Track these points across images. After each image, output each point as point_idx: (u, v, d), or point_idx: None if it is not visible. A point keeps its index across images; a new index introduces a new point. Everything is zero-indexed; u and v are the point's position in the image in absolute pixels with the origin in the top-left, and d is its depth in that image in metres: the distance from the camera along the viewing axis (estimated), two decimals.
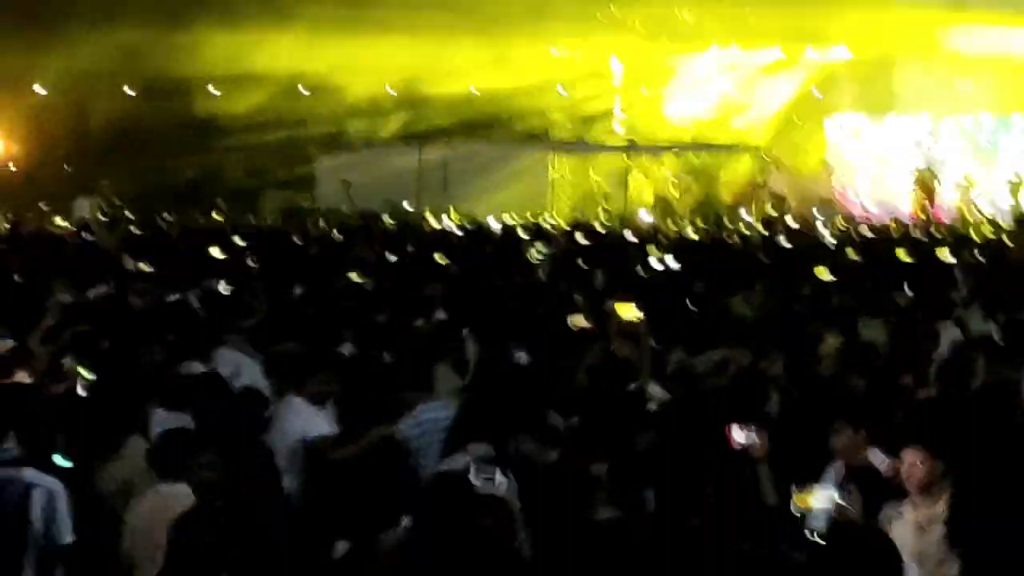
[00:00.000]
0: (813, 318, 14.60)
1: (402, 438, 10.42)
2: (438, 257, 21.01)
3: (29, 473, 8.59)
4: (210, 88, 40.93)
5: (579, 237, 25.82)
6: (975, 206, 37.60)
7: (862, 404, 10.18)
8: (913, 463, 8.23)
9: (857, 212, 39.76)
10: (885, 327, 14.18)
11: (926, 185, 39.15)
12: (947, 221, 35.07)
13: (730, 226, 32.34)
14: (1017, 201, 37.49)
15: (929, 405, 10.95)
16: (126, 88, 41.11)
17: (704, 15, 40.74)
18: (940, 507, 8.08)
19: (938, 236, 27.74)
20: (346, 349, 12.68)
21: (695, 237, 28.19)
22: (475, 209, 35.15)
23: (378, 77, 40.80)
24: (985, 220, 33.92)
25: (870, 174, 42.17)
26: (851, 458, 9.33)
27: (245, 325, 13.95)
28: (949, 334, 13.86)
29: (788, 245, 24.95)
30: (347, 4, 37.26)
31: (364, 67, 38.90)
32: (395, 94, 42.47)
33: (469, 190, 38.91)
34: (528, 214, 35.65)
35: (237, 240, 24.07)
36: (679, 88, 43.17)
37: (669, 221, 35.28)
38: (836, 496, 7.90)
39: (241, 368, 12.18)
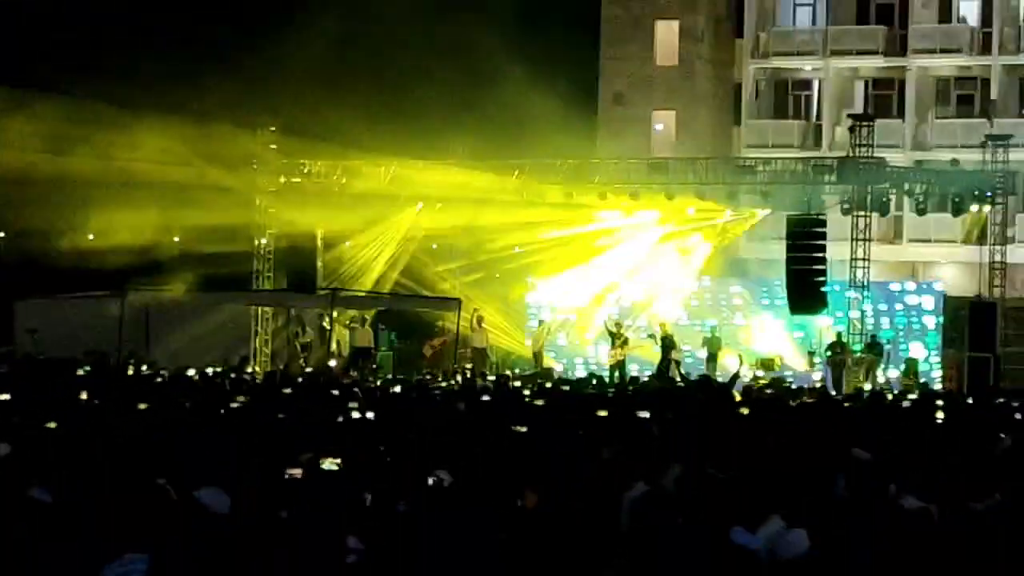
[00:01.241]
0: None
1: None
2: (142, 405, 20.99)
3: None
4: None
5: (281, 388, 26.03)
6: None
7: None
8: None
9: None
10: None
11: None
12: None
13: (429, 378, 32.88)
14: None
15: None
16: None
17: (410, 175, 41.62)
18: None
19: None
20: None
21: (397, 389, 28.62)
22: (178, 359, 35.10)
23: None
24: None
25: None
26: None
27: None
28: None
29: (487, 398, 25.57)
30: None
31: None
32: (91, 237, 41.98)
33: (172, 339, 38.87)
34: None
35: None
36: (382, 240, 43.78)
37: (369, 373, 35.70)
38: None
39: None
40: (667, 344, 40.19)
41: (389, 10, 46.67)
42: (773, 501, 10.74)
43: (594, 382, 30.82)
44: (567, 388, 29.07)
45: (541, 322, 43.00)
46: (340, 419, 20.30)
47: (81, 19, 48.37)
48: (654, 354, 41.22)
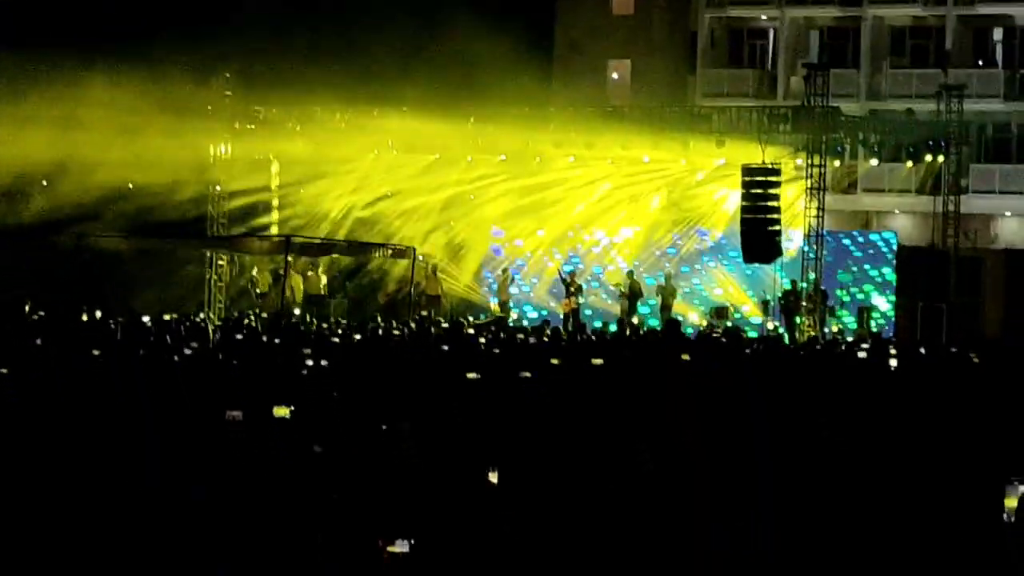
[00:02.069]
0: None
1: None
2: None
3: None
4: None
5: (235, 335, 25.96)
6: None
7: None
8: None
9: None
10: None
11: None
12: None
13: (384, 325, 32.80)
14: None
15: None
16: None
17: (364, 123, 41.34)
18: None
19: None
20: None
21: (356, 337, 28.56)
22: (133, 304, 34.91)
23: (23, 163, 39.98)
24: None
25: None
26: None
27: None
28: None
29: (445, 347, 25.58)
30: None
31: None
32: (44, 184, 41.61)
33: (127, 287, 38.68)
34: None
35: None
36: (337, 188, 43.62)
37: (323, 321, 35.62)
38: None
39: None
40: (635, 292, 40.40)
41: None
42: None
43: (548, 331, 30.85)
44: (521, 336, 29.12)
45: (504, 271, 42.99)
46: (295, 367, 20.31)
47: None
48: (607, 304, 41.36)
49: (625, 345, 27.72)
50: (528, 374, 17.89)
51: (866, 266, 41.30)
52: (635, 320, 39.30)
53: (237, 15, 46.03)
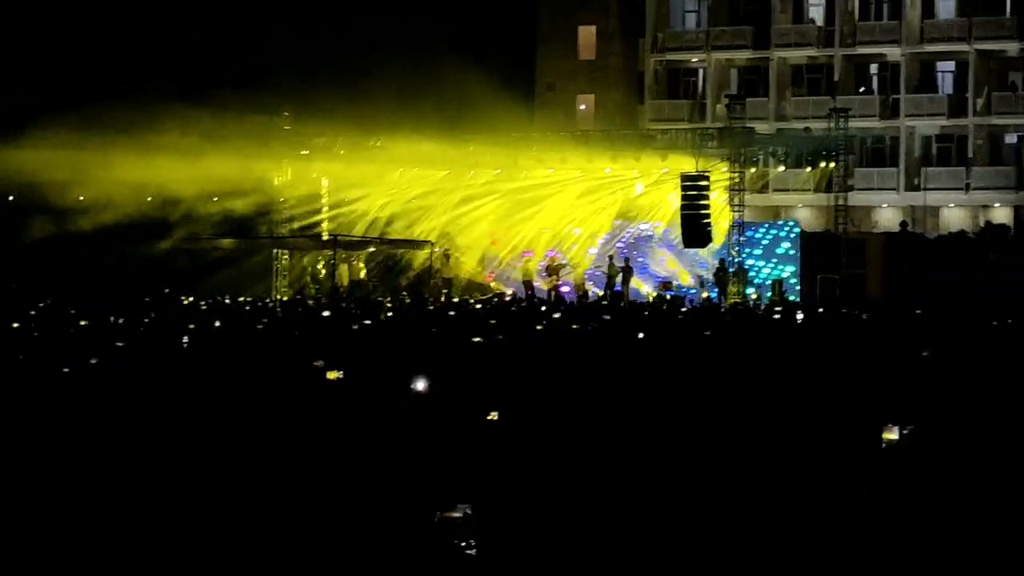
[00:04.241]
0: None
1: None
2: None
3: None
4: None
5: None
6: None
7: None
8: None
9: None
10: None
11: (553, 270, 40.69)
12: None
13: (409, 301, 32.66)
14: None
15: None
16: None
17: (391, 147, 41.11)
18: None
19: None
20: None
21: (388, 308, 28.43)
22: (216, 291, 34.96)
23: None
24: None
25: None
26: None
27: None
28: None
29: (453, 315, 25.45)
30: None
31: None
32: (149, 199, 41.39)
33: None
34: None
35: None
36: (372, 197, 43.39)
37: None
38: None
39: None
40: (627, 272, 40.23)
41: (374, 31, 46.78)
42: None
43: (542, 307, 30.71)
44: (514, 308, 28.99)
45: (561, 264, 42.19)
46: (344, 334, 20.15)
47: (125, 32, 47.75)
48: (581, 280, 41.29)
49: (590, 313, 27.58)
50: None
51: (777, 248, 41.06)
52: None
53: (292, 70, 46.38)
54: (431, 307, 30.98)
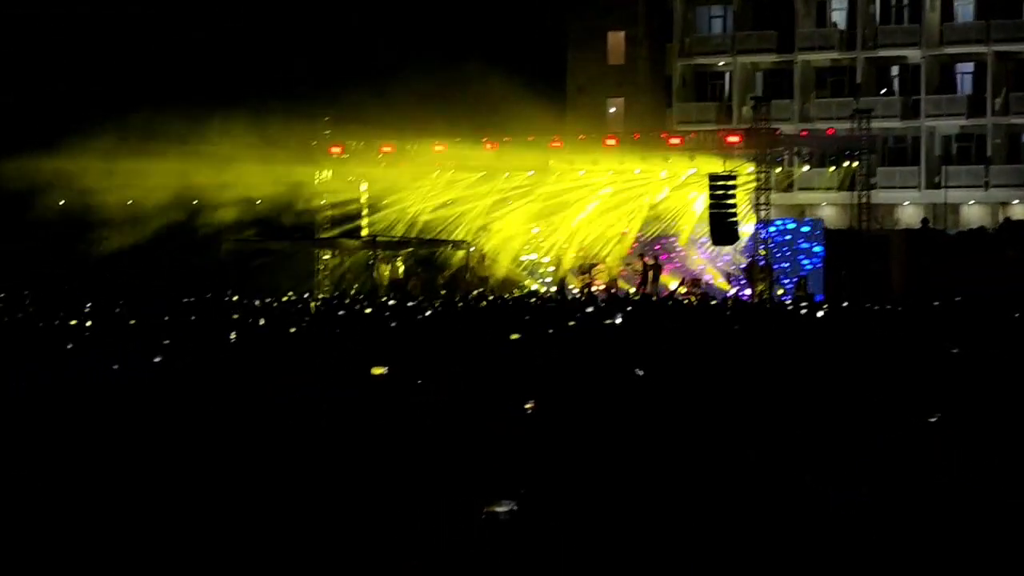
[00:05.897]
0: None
1: None
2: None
3: None
4: None
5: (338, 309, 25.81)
6: None
7: None
8: None
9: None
10: None
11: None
12: None
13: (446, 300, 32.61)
14: None
15: None
16: None
17: (428, 150, 41.03)
18: None
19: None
20: None
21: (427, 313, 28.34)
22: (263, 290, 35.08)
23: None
24: None
25: None
26: None
27: None
28: None
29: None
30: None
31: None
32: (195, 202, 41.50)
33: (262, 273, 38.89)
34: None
35: None
36: (410, 199, 43.34)
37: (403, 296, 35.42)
38: None
39: None
40: (657, 270, 40.11)
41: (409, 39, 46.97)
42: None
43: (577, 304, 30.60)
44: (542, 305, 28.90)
45: (557, 259, 42.08)
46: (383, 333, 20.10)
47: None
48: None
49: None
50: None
51: (803, 245, 40.80)
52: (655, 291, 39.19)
53: (333, 81, 46.85)
54: (462, 303, 30.90)
